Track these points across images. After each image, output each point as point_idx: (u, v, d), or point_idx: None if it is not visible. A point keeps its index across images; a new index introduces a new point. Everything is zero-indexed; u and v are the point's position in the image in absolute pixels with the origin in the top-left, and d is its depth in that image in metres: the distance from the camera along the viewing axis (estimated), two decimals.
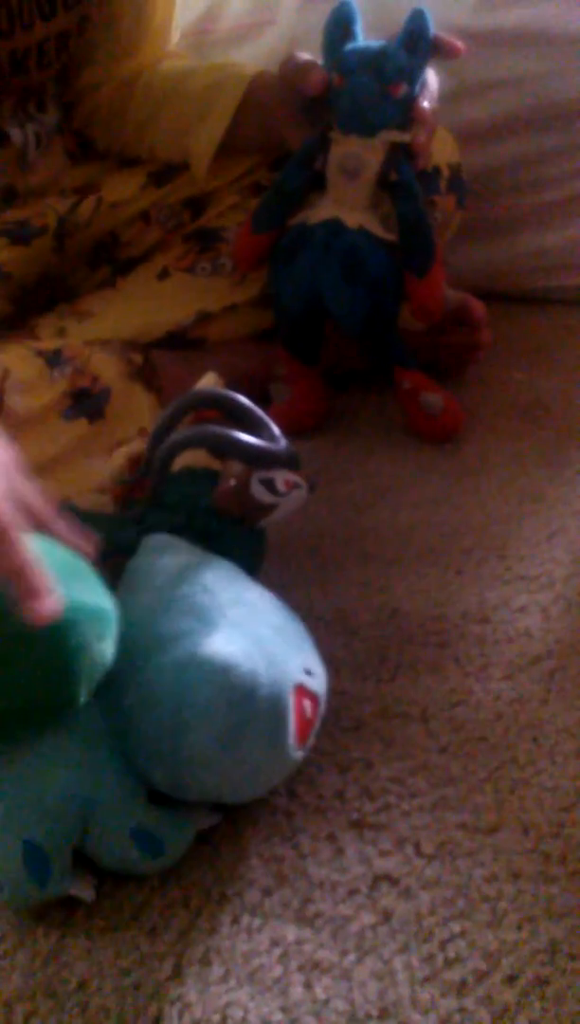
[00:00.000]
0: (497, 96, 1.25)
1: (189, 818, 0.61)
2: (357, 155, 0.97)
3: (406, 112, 0.96)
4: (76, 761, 0.58)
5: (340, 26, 0.97)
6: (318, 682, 0.63)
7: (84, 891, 0.59)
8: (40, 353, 0.94)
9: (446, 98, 1.24)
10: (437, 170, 1.13)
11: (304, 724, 0.60)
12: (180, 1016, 0.53)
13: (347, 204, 0.99)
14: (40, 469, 0.88)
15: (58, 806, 0.57)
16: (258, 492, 0.71)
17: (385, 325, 1.04)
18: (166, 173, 1.13)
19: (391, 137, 0.96)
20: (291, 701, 0.59)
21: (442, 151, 1.15)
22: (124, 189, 1.12)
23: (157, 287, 1.09)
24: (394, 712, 0.71)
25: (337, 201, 0.99)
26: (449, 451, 1.03)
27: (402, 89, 0.95)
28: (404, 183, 0.98)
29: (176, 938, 0.57)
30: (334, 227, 0.99)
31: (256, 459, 0.71)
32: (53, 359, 0.93)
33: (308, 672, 0.61)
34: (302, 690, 0.60)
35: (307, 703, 0.60)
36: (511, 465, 1.01)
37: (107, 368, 0.95)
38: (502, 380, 1.17)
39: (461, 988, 0.54)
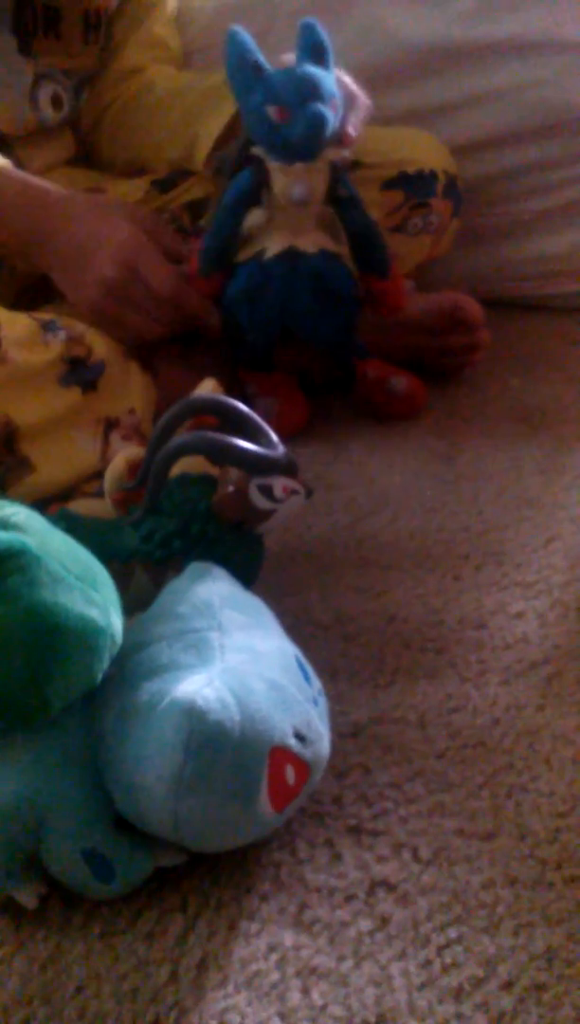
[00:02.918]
0: (496, 106, 1.25)
1: (150, 852, 0.59)
2: (305, 182, 0.95)
3: (337, 127, 0.95)
4: (40, 769, 0.57)
5: (247, 61, 0.94)
6: (311, 749, 0.59)
7: (27, 898, 0.59)
8: (33, 318, 0.93)
9: (446, 109, 1.26)
10: (434, 174, 1.14)
11: (283, 789, 0.57)
12: (177, 1021, 0.53)
13: (300, 229, 0.98)
14: (27, 433, 0.88)
15: (8, 808, 0.56)
16: (256, 498, 0.71)
17: (349, 331, 1.06)
18: (168, 180, 1.15)
19: (332, 155, 0.96)
20: (265, 762, 0.56)
21: (438, 159, 1.16)
22: (129, 192, 1.14)
23: None
24: (391, 718, 0.71)
25: (288, 230, 0.98)
26: (446, 457, 1.04)
27: (337, 105, 0.95)
28: (350, 195, 0.98)
29: (173, 943, 0.57)
30: (291, 258, 0.98)
31: (254, 465, 0.71)
32: (47, 324, 0.92)
33: (299, 737, 0.58)
34: (284, 753, 0.57)
35: (290, 768, 0.57)
36: (508, 471, 1.01)
37: (103, 343, 0.95)
38: (500, 386, 1.17)
39: (458, 994, 0.54)
